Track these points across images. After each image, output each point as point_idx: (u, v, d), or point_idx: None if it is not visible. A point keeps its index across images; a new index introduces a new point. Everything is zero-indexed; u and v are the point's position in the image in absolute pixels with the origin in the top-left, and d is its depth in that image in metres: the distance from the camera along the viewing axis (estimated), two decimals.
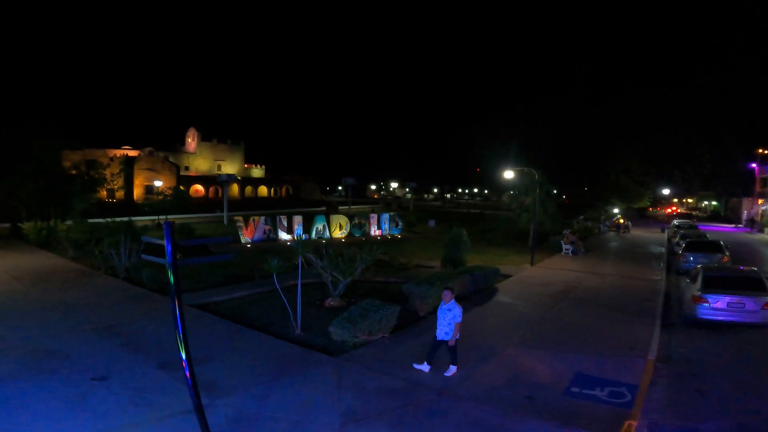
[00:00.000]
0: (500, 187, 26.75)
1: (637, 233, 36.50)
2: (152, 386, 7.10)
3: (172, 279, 4.15)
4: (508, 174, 20.47)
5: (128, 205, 42.83)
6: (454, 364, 7.75)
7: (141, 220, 34.19)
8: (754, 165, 46.42)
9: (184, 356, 4.24)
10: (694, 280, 12.09)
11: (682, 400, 7.04)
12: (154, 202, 33.63)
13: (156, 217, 33.15)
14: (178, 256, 8.49)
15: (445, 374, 7.60)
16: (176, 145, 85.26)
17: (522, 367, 8.11)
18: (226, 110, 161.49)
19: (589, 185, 32.43)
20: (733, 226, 47.61)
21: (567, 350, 9.00)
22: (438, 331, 7.72)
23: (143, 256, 5.12)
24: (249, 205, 60.17)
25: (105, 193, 62.07)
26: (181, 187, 72.20)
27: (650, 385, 7.43)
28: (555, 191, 37.20)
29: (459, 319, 7.62)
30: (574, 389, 7.15)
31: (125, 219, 20.07)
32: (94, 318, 10.71)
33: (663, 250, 26.35)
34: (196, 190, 75.35)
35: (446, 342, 7.62)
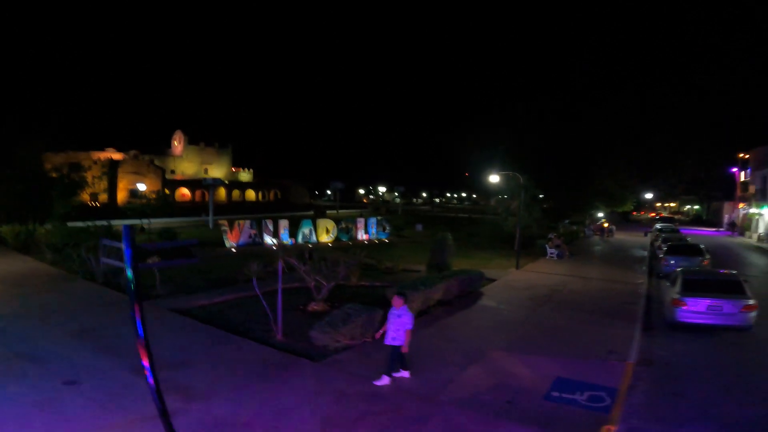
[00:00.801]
0: (488, 192, 26.84)
1: (621, 237, 37.00)
2: (125, 390, 6.97)
3: (131, 283, 4.03)
4: (494, 178, 20.59)
5: (111, 209, 42.08)
6: (405, 370, 7.60)
7: (123, 223, 33.64)
8: (734, 169, 47.47)
9: (146, 363, 4.09)
10: (673, 283, 12.20)
11: (661, 404, 7.06)
12: (136, 206, 33.07)
13: (139, 221, 32.63)
14: (156, 259, 8.37)
15: (375, 383, 7.31)
16: (162, 148, 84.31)
17: (504, 371, 8.09)
18: (214, 114, 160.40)
19: (574, 190, 32.80)
20: (715, 229, 48.57)
21: (549, 354, 9.02)
22: (386, 335, 7.55)
23: (102, 260, 4.98)
24: (236, 209, 59.65)
25: (88, 196, 61.20)
26: (167, 191, 71.61)
27: (630, 389, 7.45)
28: (541, 195, 37.63)
29: (410, 326, 7.37)
30: (555, 393, 7.14)
31: (104, 223, 19.64)
32: (70, 322, 10.49)
33: (645, 253, 26.71)
34: (183, 194, 74.48)
35: (393, 347, 7.42)
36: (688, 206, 71.34)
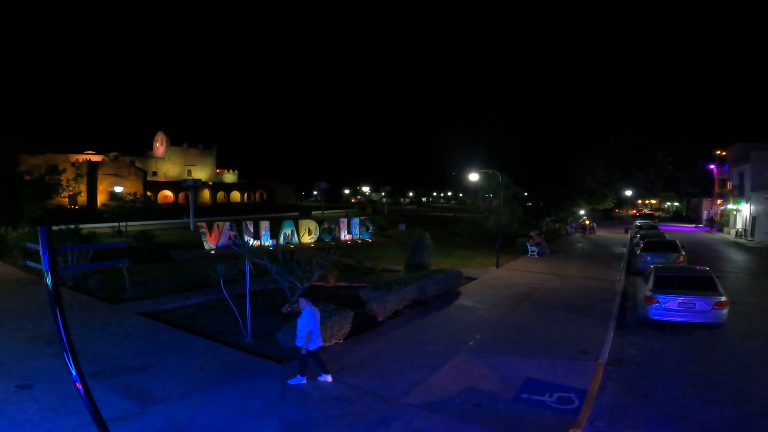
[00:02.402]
0: (473, 191, 26.88)
1: (603, 234, 37.39)
2: (79, 395, 6.71)
3: (50, 286, 3.82)
4: (473, 176, 20.58)
5: (88, 212, 41.16)
6: (326, 373, 7.45)
7: (101, 227, 32.95)
8: (712, 166, 48.37)
9: (74, 372, 3.89)
10: (646, 280, 12.24)
11: (628, 406, 6.95)
12: (113, 208, 32.38)
13: (117, 224, 31.97)
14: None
15: (289, 381, 7.27)
16: (144, 149, 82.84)
17: (474, 372, 7.96)
18: (197, 115, 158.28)
19: (555, 187, 33.03)
20: (694, 225, 49.42)
21: (521, 354, 8.92)
22: (297, 337, 7.49)
23: (26, 263, 4.75)
24: (220, 211, 58.86)
25: (66, 199, 59.88)
26: (149, 193, 70.37)
27: (599, 390, 7.35)
28: (526, 194, 37.86)
29: (309, 328, 7.26)
30: (524, 395, 7.03)
31: (71, 226, 19.15)
32: (32, 326, 10.19)
33: (624, 250, 26.99)
34: (165, 196, 73.31)
35: (307, 348, 7.30)
36: (669, 203, 72.60)
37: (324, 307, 9.54)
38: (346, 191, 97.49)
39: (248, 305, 9.40)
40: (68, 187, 29.01)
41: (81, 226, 30.45)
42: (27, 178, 26.21)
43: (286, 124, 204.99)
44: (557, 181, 33.38)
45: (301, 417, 6.27)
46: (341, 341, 9.33)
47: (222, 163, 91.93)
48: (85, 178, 59.85)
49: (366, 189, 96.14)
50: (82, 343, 9.14)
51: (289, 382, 7.28)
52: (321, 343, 7.58)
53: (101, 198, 62.56)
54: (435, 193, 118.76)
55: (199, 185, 38.02)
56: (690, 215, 57.80)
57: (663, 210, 74.86)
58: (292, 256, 13.28)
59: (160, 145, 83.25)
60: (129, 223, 32.26)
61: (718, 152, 45.47)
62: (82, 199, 62.63)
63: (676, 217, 62.35)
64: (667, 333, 10.73)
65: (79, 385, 3.93)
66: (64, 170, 29.21)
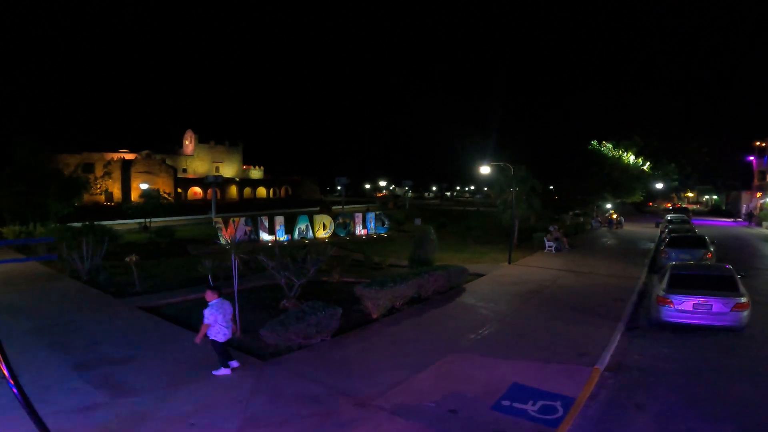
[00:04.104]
0: (493, 184, 26.19)
1: (631, 229, 35.80)
2: (57, 385, 7.03)
3: None
4: (485, 169, 19.96)
5: (113, 209, 42.80)
6: (216, 369, 7.45)
7: (128, 223, 34.14)
8: (751, 158, 45.48)
9: (5, 370, 3.87)
10: (661, 278, 11.48)
11: (616, 418, 6.40)
12: (137, 205, 33.46)
13: (142, 220, 33.02)
14: (134, 258, 8.16)
15: (214, 372, 7.39)
16: (174, 147, 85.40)
17: (459, 375, 7.60)
18: (224, 112, 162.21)
19: (579, 180, 31.68)
20: (732, 220, 46.66)
21: (514, 356, 8.47)
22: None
23: None
24: (246, 206, 59.98)
25: (103, 196, 62.49)
26: (179, 190, 72.56)
27: (589, 399, 6.84)
28: (551, 187, 36.59)
29: (206, 321, 7.27)
30: (505, 402, 6.60)
31: (87, 223, 19.84)
32: (37, 319, 10.61)
33: (652, 246, 25.72)
34: (195, 192, 75.41)
35: (211, 341, 7.38)
36: (707, 196, 68.82)
37: (313, 303, 9.45)
38: (367, 186, 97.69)
39: (236, 301, 9.39)
40: (98, 184, 30.07)
41: (108, 222, 31.73)
42: (65, 173, 27.30)
43: (311, 120, 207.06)
44: (581, 173, 32.03)
45: (268, 413, 6.20)
46: (328, 338, 9.20)
47: (248, 160, 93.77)
48: (112, 176, 62.04)
49: (382, 183, 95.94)
50: (77, 336, 9.46)
51: (214, 373, 7.38)
52: (225, 337, 7.47)
53: (134, 195, 64.98)
54: (458, 187, 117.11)
55: (220, 181, 38.76)
56: (729, 209, 54.68)
57: (701, 203, 71.15)
58: (279, 251, 13.28)
59: (189, 143, 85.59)
60: (156, 219, 33.25)
61: (758, 143, 42.67)
62: (117, 195, 65.26)
63: (715, 211, 59.06)
64: (681, 336, 9.94)
65: (11, 383, 3.90)
66: (92, 168, 30.21)
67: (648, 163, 38.50)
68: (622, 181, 35.85)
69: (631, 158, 36.70)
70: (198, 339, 7.43)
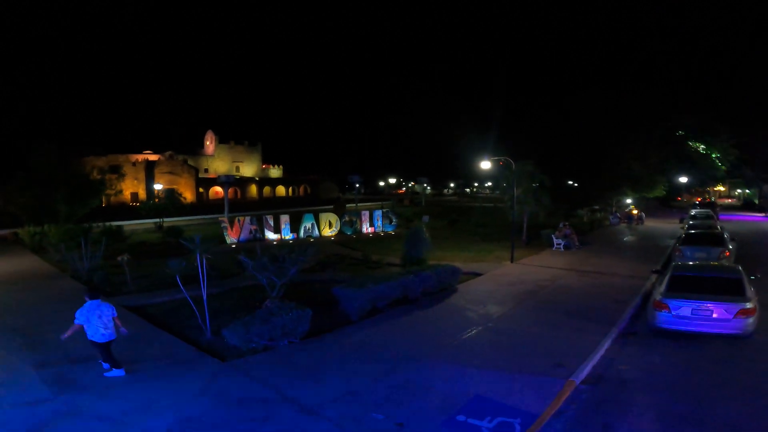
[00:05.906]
0: (499, 180, 25.43)
1: (653, 225, 34.21)
2: (11, 381, 7.18)
3: None
4: (485, 164, 19.28)
5: (126, 209, 44.04)
6: (109, 371, 7.48)
7: (145, 222, 34.94)
8: None
9: None
10: (663, 280, 10.66)
11: None
12: (149, 205, 34.17)
13: (156, 220, 33.69)
14: (126, 257, 8.19)
15: (105, 374, 7.40)
16: (195, 148, 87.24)
17: (420, 385, 7.11)
18: (244, 113, 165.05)
19: (594, 175, 30.34)
20: (764, 215, 44.08)
21: (485, 366, 7.87)
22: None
23: None
24: (265, 205, 60.76)
25: (129, 196, 64.34)
26: (201, 189, 74.07)
27: (553, 416, 6.25)
28: (570, 182, 35.34)
29: (76, 321, 7.33)
30: (460, 417, 6.10)
31: (96, 224, 20.22)
32: (20, 319, 10.79)
33: (672, 243, 24.44)
34: (216, 192, 76.84)
35: (90, 340, 7.39)
36: (740, 190, 65.28)
37: (283, 304, 9.23)
38: (381, 183, 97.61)
39: (205, 302, 9.27)
40: (117, 185, 30.80)
41: (128, 222, 32.45)
42: (90, 176, 27.89)
43: (330, 119, 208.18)
44: (597, 168, 30.67)
45: (202, 416, 6.07)
46: (297, 341, 8.93)
47: (268, 159, 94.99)
48: (137, 177, 63.73)
49: (392, 180, 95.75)
50: (51, 335, 9.46)
51: (105, 375, 7.40)
52: (104, 338, 7.40)
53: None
54: (476, 184, 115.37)
55: (231, 181, 39.20)
56: (762, 204, 51.66)
57: (734, 198, 67.62)
58: (260, 251, 13.10)
59: (210, 144, 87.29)
60: (170, 219, 33.90)
61: None
62: (142, 195, 67.09)
63: (747, 205, 55.97)
64: (679, 344, 9.12)
65: None
66: (105, 170, 30.79)
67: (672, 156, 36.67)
68: (644, 175, 34.16)
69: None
70: (64, 336, 7.44)
